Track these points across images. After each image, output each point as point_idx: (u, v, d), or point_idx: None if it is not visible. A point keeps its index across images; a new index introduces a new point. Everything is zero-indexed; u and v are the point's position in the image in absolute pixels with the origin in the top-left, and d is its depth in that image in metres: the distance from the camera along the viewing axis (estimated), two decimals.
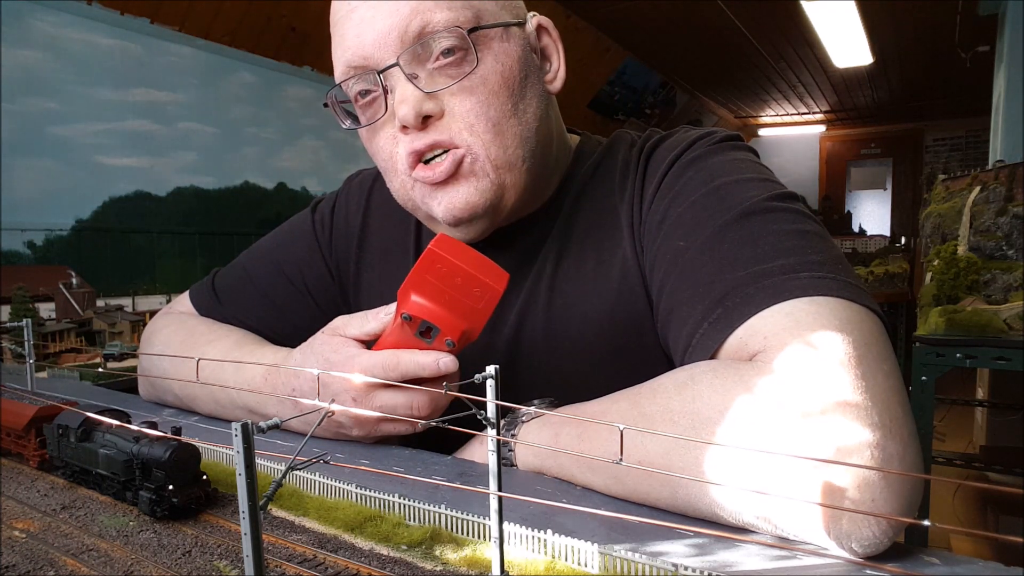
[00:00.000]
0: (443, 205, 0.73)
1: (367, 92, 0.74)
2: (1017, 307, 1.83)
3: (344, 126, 0.78)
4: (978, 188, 2.33)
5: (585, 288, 0.78)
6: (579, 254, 0.80)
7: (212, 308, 0.98)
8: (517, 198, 0.76)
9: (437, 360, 0.65)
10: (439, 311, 0.65)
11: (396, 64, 0.70)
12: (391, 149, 0.75)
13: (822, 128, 8.49)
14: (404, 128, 0.72)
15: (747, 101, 7.47)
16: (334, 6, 0.75)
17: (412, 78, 0.70)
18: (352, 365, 0.67)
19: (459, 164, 0.72)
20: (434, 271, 0.63)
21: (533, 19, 0.79)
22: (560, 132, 0.85)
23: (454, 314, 0.65)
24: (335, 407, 0.49)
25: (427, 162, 0.73)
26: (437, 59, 0.70)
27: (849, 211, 8.28)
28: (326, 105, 0.79)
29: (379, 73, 0.71)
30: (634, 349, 0.76)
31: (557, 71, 0.80)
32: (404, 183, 0.76)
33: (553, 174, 0.84)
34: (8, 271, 2.29)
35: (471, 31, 0.69)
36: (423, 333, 0.66)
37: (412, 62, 0.70)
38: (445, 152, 0.72)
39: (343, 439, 0.75)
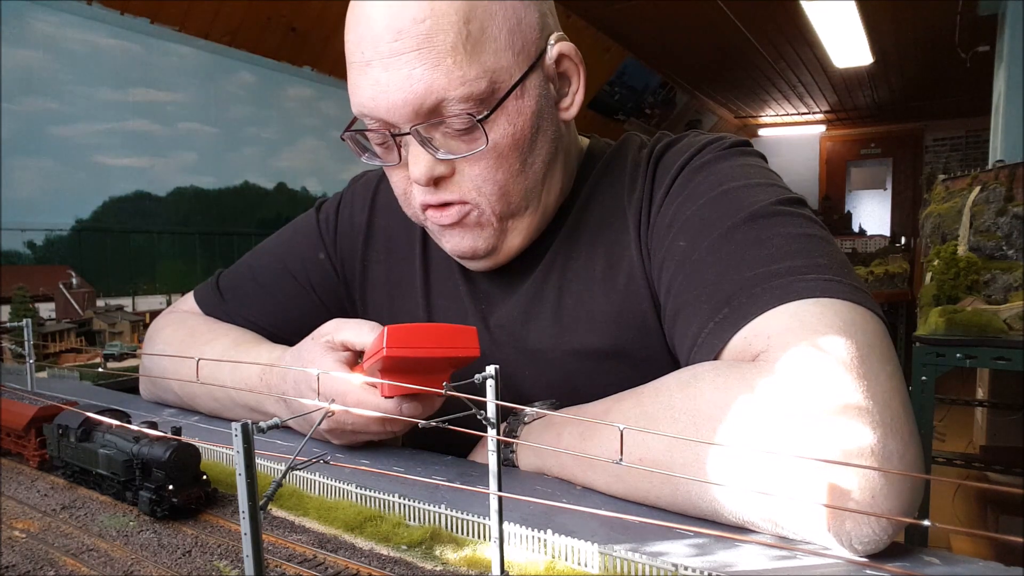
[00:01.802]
0: (449, 245, 0.78)
1: (382, 141, 0.74)
2: (1017, 307, 1.83)
3: (362, 159, 0.78)
4: (978, 188, 2.33)
5: (594, 289, 0.79)
6: (589, 255, 0.80)
7: (216, 306, 0.98)
8: (525, 236, 0.78)
9: (399, 406, 0.65)
10: (419, 380, 0.61)
11: (410, 132, 0.69)
12: (405, 187, 0.76)
13: (822, 128, 8.49)
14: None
15: (747, 101, 7.47)
16: (347, 36, 0.71)
17: (427, 141, 0.70)
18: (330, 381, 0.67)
19: (465, 215, 0.74)
20: (399, 365, 0.60)
21: (554, 47, 0.75)
22: (573, 141, 0.85)
23: (435, 378, 0.61)
24: (335, 407, 0.50)
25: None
26: (450, 130, 0.70)
27: (849, 211, 8.28)
28: (343, 139, 0.78)
29: (394, 137, 0.71)
30: (639, 351, 0.76)
31: (575, 94, 0.79)
32: (416, 215, 0.78)
33: (563, 181, 0.84)
34: (8, 271, 2.29)
35: (483, 118, 0.67)
36: None
37: (428, 128, 0.70)
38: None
39: (324, 441, 0.75)
